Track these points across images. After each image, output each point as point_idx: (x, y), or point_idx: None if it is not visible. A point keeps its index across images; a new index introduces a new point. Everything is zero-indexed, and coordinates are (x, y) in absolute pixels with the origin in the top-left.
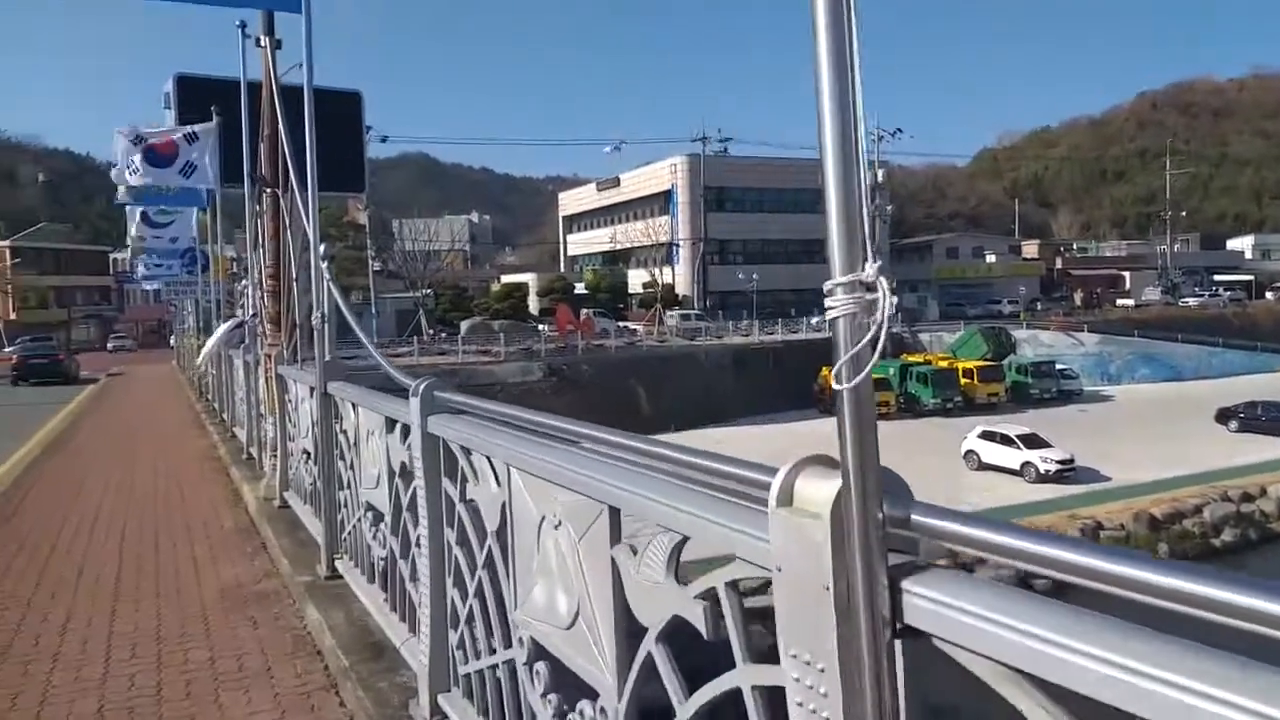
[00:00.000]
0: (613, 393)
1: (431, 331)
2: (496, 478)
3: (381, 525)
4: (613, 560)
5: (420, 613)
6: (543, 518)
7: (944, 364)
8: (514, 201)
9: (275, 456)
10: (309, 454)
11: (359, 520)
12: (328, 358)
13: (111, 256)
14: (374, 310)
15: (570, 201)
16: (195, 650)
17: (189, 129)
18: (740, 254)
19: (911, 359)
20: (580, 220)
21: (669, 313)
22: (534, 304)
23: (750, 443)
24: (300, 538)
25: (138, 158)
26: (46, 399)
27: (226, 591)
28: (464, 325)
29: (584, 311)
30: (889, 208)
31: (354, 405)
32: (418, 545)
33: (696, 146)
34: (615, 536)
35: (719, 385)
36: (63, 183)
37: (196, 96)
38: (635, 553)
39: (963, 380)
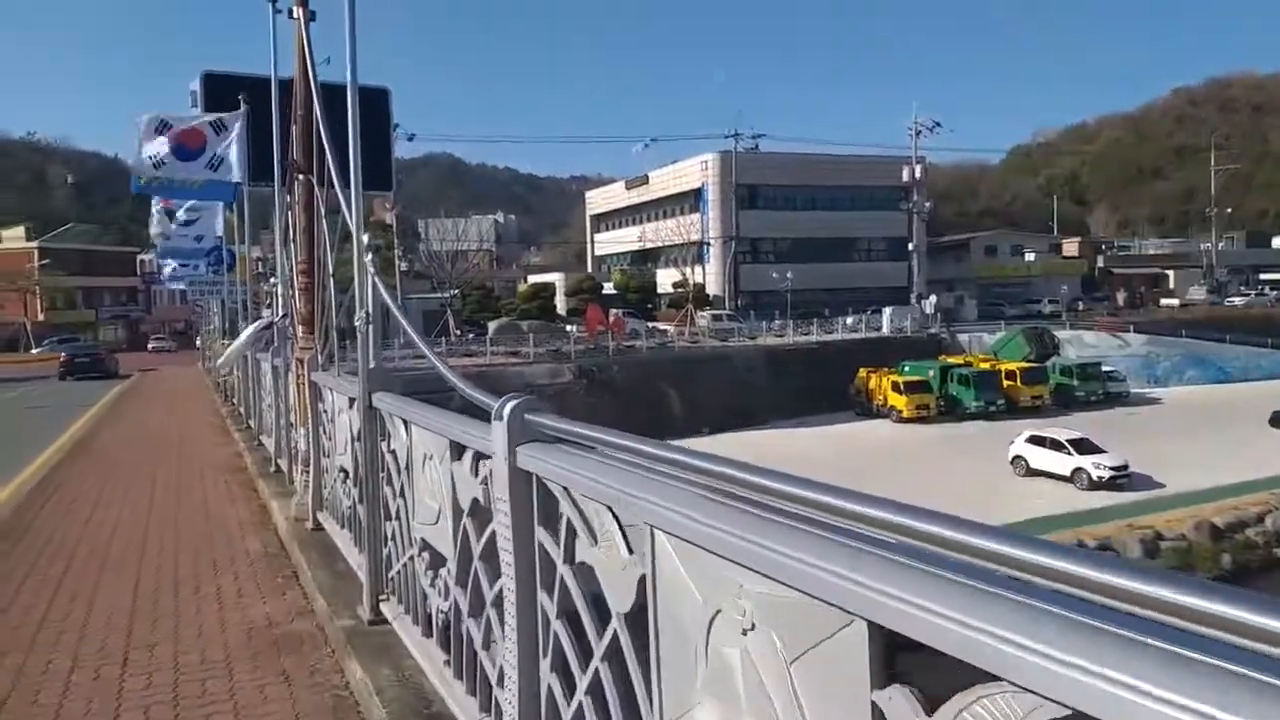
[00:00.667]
0: (644, 395)
1: (459, 332)
2: (627, 540)
3: (442, 571)
4: (874, 707)
5: (501, 695)
6: (716, 612)
7: (985, 366)
8: (538, 202)
9: (307, 472)
10: (347, 473)
11: (411, 559)
12: (372, 364)
13: (139, 258)
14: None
15: (598, 200)
16: (219, 716)
17: (216, 117)
18: (772, 252)
19: (951, 360)
20: (608, 219)
21: (700, 313)
22: (562, 304)
23: (786, 446)
24: (338, 569)
25: (164, 151)
26: (80, 398)
27: (255, 633)
28: (492, 326)
29: (613, 311)
30: (927, 204)
31: (405, 423)
32: (496, 606)
33: (726, 143)
34: (878, 671)
35: (752, 387)
36: (92, 184)
37: (225, 93)
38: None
39: (1005, 382)
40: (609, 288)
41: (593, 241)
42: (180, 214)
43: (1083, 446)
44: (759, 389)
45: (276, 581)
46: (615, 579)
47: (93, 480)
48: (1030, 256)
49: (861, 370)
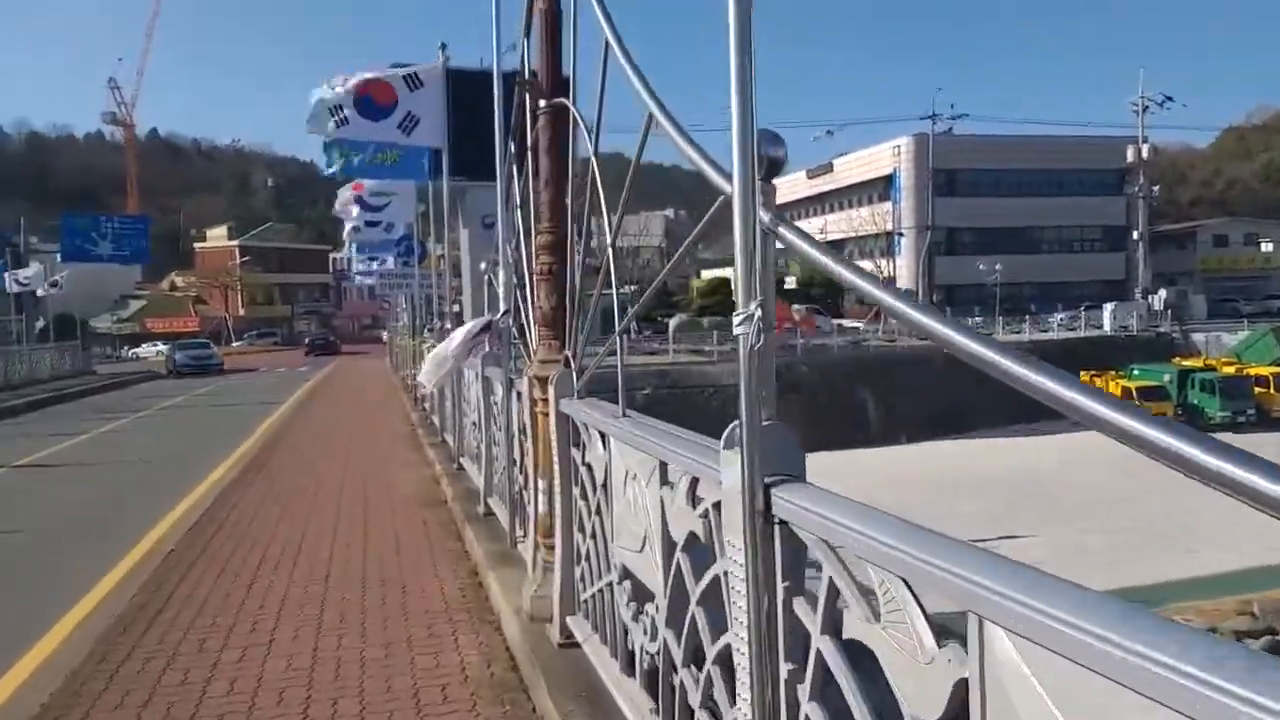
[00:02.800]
0: (837, 398)
1: (647, 330)
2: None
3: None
4: None
5: None
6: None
7: (1230, 370)
8: (704, 198)
9: (552, 550)
10: (632, 579)
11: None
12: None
13: (331, 256)
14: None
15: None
16: None
17: (410, 69)
18: (971, 243)
19: (1189, 363)
20: (787, 210)
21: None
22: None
23: (1001, 459)
24: None
25: (348, 106)
26: (264, 398)
27: None
28: (672, 323)
29: (795, 308)
30: (1154, 189)
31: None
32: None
33: (915, 127)
34: None
35: (957, 391)
36: (290, 187)
37: None
38: None
39: (1256, 389)
40: (791, 282)
41: None
42: (368, 197)
43: None
44: (964, 393)
45: None
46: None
47: (267, 511)
48: (1268, 246)
49: (1083, 374)
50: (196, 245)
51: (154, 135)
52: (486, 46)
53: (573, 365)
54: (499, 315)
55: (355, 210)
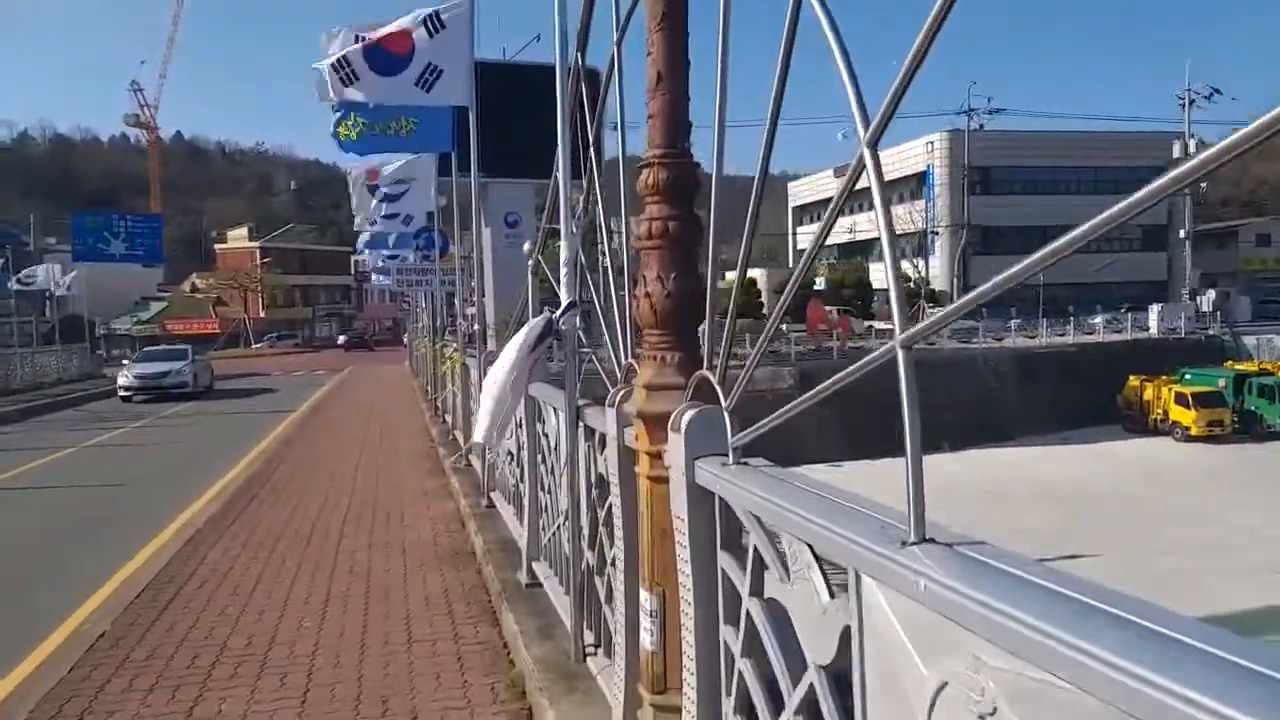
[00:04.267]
0: (875, 403)
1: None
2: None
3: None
4: None
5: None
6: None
7: None
8: (729, 197)
9: (665, 710)
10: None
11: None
12: None
13: (353, 258)
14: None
15: (800, 190)
16: None
17: (430, 10)
18: (1007, 242)
19: (1242, 368)
20: (812, 210)
21: (930, 309)
22: (768, 301)
23: (1051, 468)
24: None
25: (358, 61)
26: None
27: None
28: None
29: (824, 308)
30: (1203, 186)
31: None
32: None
33: (947, 123)
34: None
35: (1000, 396)
36: (312, 190)
37: None
38: None
39: None
40: (819, 283)
41: (794, 234)
42: (383, 185)
43: None
44: (1007, 399)
45: None
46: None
47: (244, 568)
48: None
49: (1132, 378)
50: (217, 246)
51: (179, 138)
52: (505, 36)
53: (720, 397)
54: (562, 312)
55: (371, 204)
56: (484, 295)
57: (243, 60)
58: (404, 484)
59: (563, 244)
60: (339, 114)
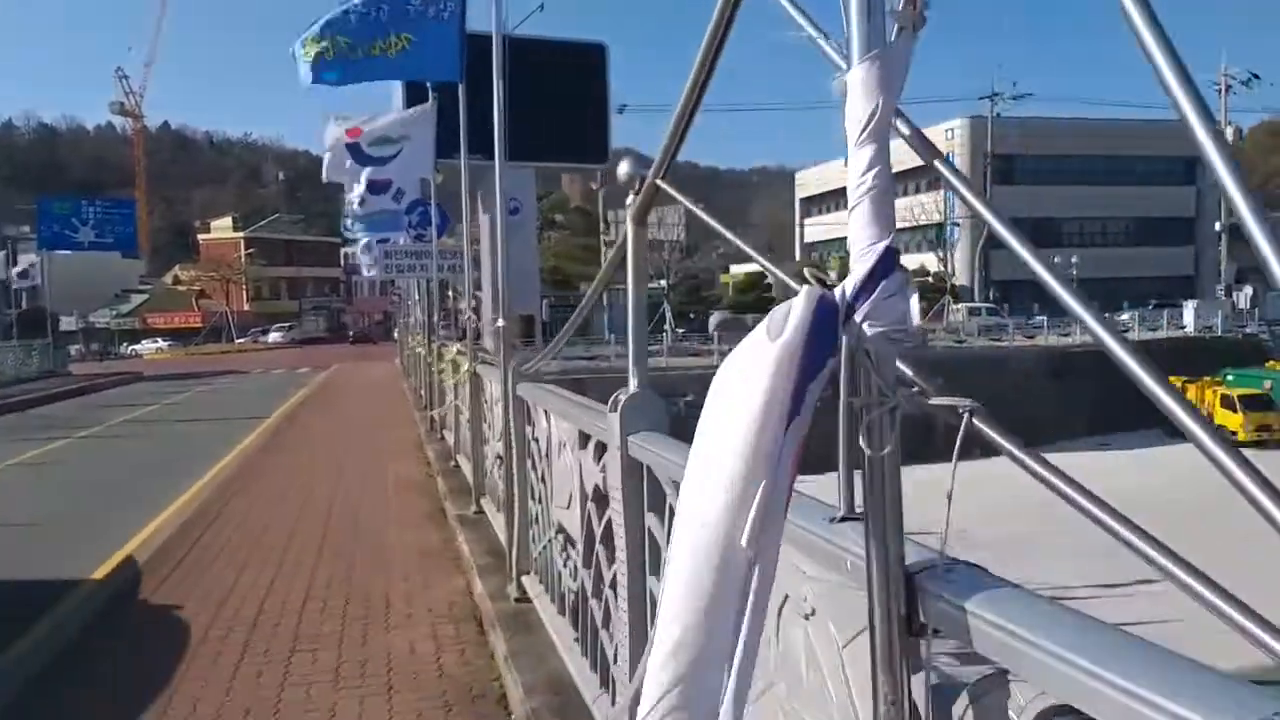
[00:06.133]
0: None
1: (680, 330)
2: None
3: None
4: None
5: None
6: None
7: None
8: (715, 194)
9: None
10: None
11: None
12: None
13: (343, 251)
14: (605, 303)
15: (810, 181)
16: None
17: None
18: (1030, 235)
19: None
20: (821, 202)
21: (955, 307)
22: (778, 295)
23: (1103, 480)
24: None
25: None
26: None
27: None
28: (712, 320)
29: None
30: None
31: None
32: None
33: (967, 109)
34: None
35: (1033, 398)
36: (300, 181)
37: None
38: None
39: None
40: (834, 278)
41: (802, 227)
42: (367, 146)
43: None
44: (1041, 401)
45: None
46: None
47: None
48: None
49: (1173, 379)
50: (200, 237)
51: (165, 128)
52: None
53: None
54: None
55: (350, 166)
56: (480, 289)
57: (231, 49)
58: (392, 540)
59: None
60: (308, 32)
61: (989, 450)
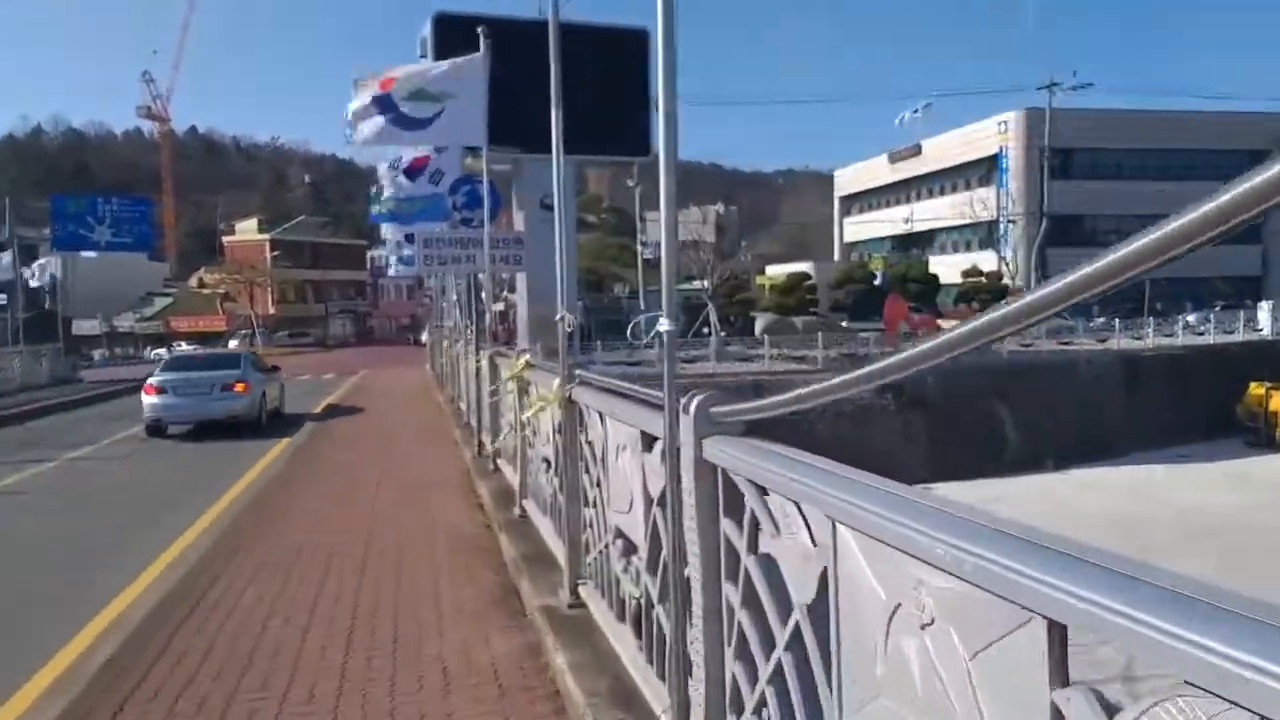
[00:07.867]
0: (967, 415)
1: (724, 332)
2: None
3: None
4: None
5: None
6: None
7: None
8: (740, 196)
9: None
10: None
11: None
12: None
13: (369, 254)
14: (643, 305)
15: (850, 179)
16: None
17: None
18: (1089, 233)
19: None
20: (861, 200)
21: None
22: (825, 298)
23: (1186, 496)
24: None
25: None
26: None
27: None
28: (759, 323)
29: (905, 304)
30: None
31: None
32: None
33: (1021, 100)
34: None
35: (1105, 405)
36: (327, 184)
37: (459, 38)
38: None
39: None
40: (877, 278)
41: (841, 226)
42: (401, 102)
43: None
44: (1113, 408)
45: None
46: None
47: None
48: None
49: (1254, 385)
50: (225, 239)
51: (193, 133)
52: None
53: None
54: None
55: (383, 127)
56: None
57: (259, 53)
58: (446, 652)
59: None
60: None
61: (1060, 463)
